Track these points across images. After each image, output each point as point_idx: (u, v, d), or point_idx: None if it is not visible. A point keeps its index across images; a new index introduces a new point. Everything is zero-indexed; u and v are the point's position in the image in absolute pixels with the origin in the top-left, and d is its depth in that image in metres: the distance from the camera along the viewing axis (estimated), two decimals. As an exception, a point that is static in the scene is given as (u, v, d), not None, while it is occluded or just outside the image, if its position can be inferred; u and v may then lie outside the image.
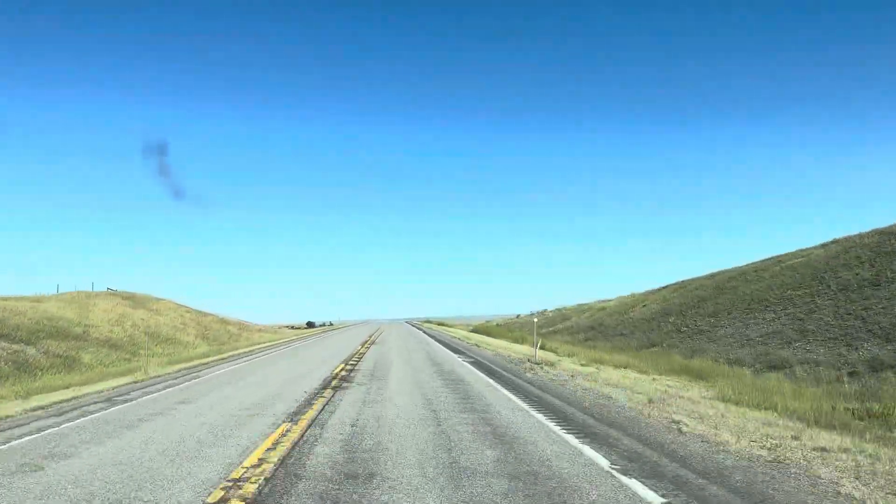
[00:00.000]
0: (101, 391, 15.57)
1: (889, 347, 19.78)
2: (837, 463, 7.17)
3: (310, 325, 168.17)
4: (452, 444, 8.22)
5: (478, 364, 21.01)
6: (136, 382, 17.59)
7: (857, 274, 26.06)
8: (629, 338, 34.63)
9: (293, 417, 10.55)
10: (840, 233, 37.09)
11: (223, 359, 28.12)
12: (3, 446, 8.73)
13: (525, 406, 11.54)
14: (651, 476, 6.58)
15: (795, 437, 8.58)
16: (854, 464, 7.12)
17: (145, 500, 5.97)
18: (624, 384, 14.86)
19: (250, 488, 6.26)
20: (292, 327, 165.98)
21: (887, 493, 6.00)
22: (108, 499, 6.04)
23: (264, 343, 45.92)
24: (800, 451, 7.70)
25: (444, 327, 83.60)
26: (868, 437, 9.10)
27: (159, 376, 19.59)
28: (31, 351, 26.91)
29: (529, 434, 8.86)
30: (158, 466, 7.29)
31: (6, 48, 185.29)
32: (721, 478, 6.55)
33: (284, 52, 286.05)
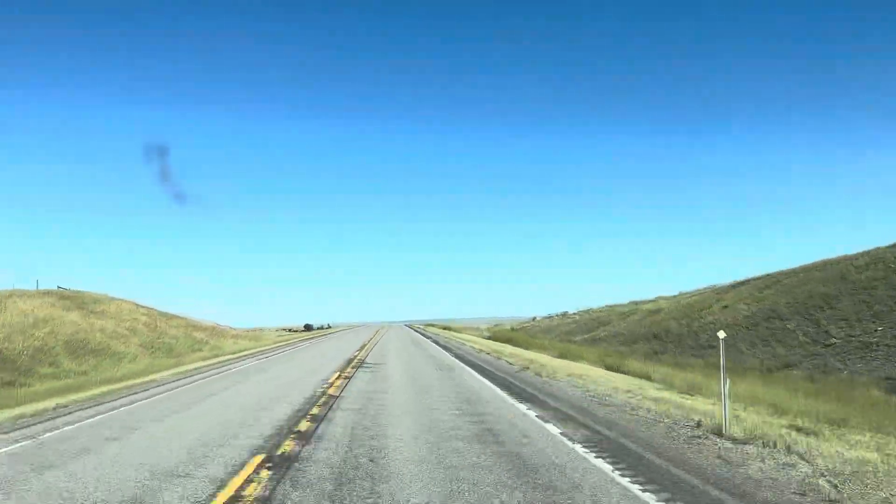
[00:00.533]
0: None
1: None
2: None
3: (307, 327, 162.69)
4: None
5: (618, 452, 10.67)
6: None
7: None
8: (738, 354, 24.22)
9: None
10: None
11: (137, 386, 17.80)
12: None
13: None
14: None
15: None
16: None
17: None
18: None
19: None
20: (290, 330, 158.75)
21: None
22: None
23: (226, 355, 35.59)
24: None
25: (450, 332, 72.92)
26: None
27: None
28: None
29: None
30: None
31: (6, 49, 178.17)
32: None
33: (285, 53, 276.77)
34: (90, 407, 13.39)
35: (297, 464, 7.51)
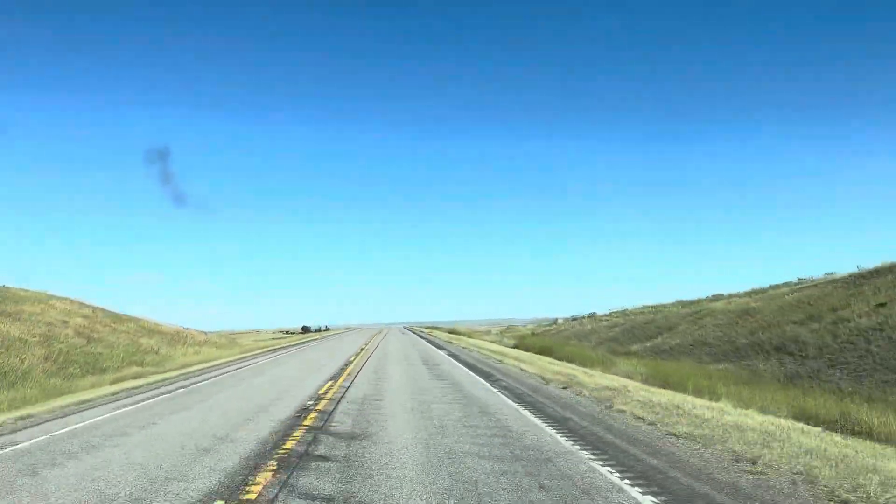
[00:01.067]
0: None
1: None
2: None
3: (305, 329, 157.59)
4: None
5: None
6: None
7: None
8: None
9: None
10: None
11: None
12: None
13: None
14: None
15: None
16: None
17: None
18: None
19: None
20: (287, 332, 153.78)
21: None
22: None
23: (163, 373, 25.12)
24: None
25: (460, 338, 62.19)
26: None
27: None
28: None
29: None
30: None
31: (7, 51, 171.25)
32: None
33: (285, 59, 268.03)
34: None
35: None
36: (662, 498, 6.29)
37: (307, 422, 11.09)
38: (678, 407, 12.07)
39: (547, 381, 17.94)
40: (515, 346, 39.82)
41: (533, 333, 61.99)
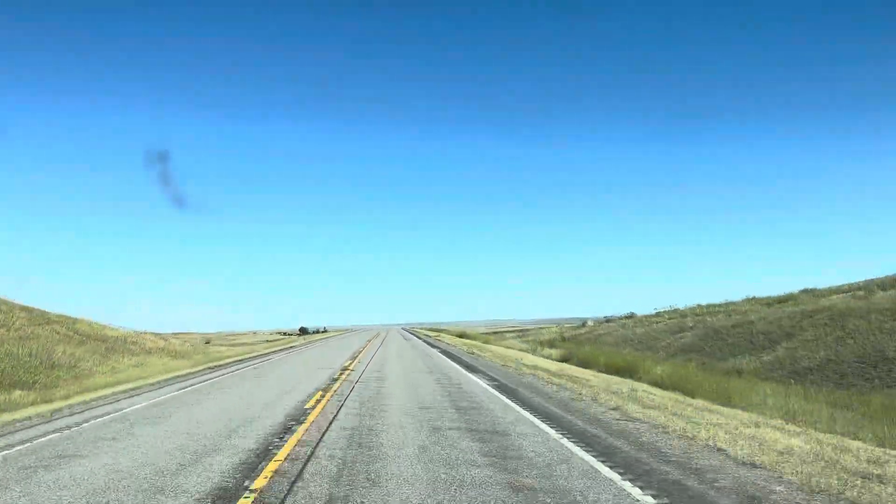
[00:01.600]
0: None
1: None
2: None
3: (302, 331, 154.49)
4: None
5: None
6: None
7: None
8: None
9: None
10: None
11: None
12: None
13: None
14: None
15: None
16: None
17: None
18: None
19: None
20: (285, 333, 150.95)
21: None
22: None
23: (43, 406, 14.95)
24: None
25: (476, 345, 51.79)
26: None
27: None
28: None
29: None
30: None
31: (7, 52, 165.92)
32: None
33: (284, 60, 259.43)
34: None
35: None
36: None
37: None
38: None
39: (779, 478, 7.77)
40: (565, 360, 29.65)
41: (563, 338, 51.79)
